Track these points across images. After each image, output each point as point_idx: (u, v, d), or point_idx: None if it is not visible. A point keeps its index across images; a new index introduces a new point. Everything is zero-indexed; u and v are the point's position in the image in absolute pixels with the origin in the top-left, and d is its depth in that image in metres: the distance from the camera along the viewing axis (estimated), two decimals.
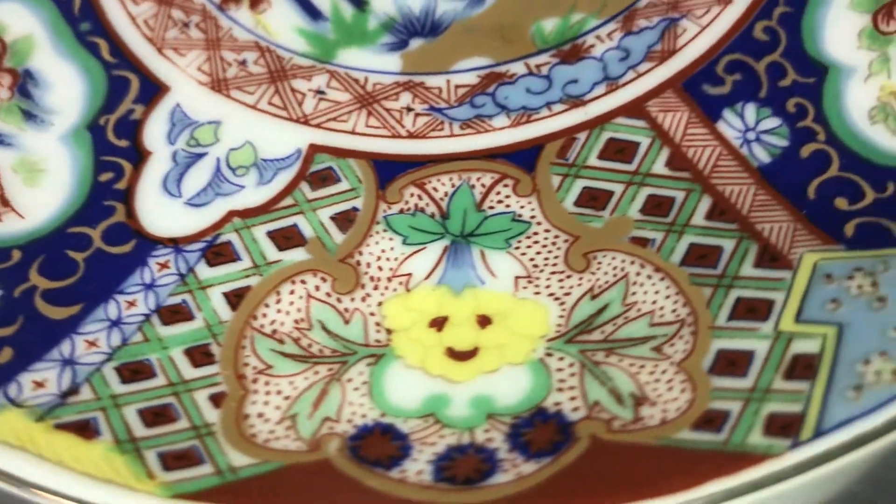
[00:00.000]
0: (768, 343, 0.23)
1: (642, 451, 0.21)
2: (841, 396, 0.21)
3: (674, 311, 0.24)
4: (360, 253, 0.26)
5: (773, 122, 0.27)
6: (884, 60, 0.28)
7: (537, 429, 0.22)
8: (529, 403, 0.23)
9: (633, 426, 0.22)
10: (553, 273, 0.25)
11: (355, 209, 0.27)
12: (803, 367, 0.22)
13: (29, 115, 0.29)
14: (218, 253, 0.26)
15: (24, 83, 0.29)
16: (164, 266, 0.26)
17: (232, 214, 0.27)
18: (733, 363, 0.22)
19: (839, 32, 0.28)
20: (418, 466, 0.21)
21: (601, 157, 0.27)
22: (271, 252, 0.26)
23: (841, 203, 0.25)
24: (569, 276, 0.25)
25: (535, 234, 0.26)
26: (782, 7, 0.29)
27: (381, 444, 0.22)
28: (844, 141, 0.26)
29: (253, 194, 0.27)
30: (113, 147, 0.28)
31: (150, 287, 0.26)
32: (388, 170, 0.27)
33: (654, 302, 0.24)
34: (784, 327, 0.23)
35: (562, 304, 0.25)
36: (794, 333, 0.23)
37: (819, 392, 0.21)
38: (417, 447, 0.22)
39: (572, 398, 0.23)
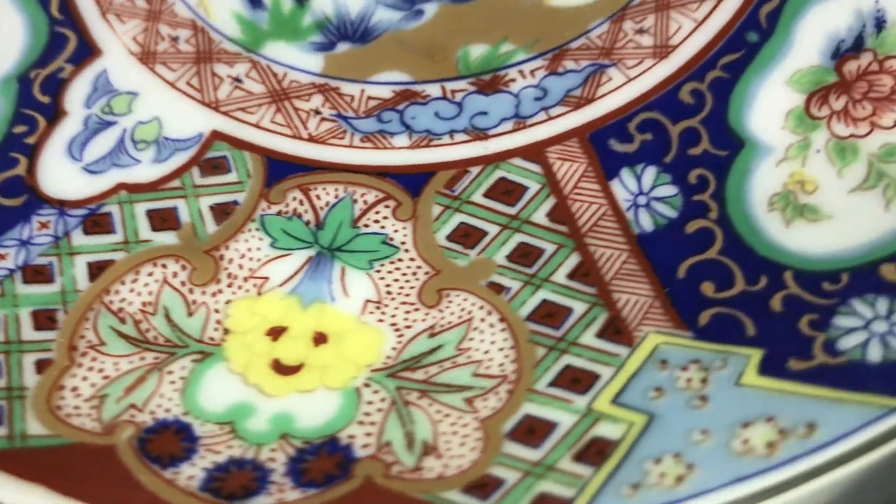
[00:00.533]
0: (575, 418, 0.22)
1: (405, 502, 0.21)
2: (615, 492, 0.20)
3: (501, 365, 0.23)
4: (227, 247, 0.26)
5: (668, 190, 0.26)
6: (804, 146, 0.26)
7: (320, 459, 0.22)
8: (326, 431, 0.23)
9: (409, 475, 0.21)
10: (403, 303, 0.25)
11: (235, 203, 0.27)
12: (595, 452, 0.21)
13: None
14: (96, 222, 0.27)
15: None
16: (44, 226, 0.27)
17: (121, 187, 0.27)
18: (532, 431, 0.22)
19: (768, 108, 0.27)
20: (193, 472, 0.22)
21: (487, 194, 0.27)
22: (144, 231, 0.27)
23: (707, 288, 0.24)
24: (417, 310, 0.25)
25: (400, 260, 0.26)
26: (718, 72, 0.28)
27: (170, 441, 0.22)
28: (735, 223, 0.25)
29: (146, 170, 0.28)
30: (35, 101, 0.29)
31: (24, 244, 0.26)
32: (278, 169, 0.28)
33: (486, 352, 0.24)
34: (597, 406, 0.22)
35: (400, 336, 0.24)
36: (603, 414, 0.22)
37: (597, 482, 0.20)
38: (202, 452, 0.22)
39: (368, 434, 0.22)
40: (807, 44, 0.28)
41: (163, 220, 0.27)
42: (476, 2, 0.30)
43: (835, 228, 0.25)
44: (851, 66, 0.27)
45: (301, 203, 0.27)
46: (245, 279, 0.26)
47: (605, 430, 0.22)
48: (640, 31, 0.29)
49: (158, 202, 0.27)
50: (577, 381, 0.23)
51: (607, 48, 0.29)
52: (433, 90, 0.28)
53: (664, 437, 0.21)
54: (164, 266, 0.26)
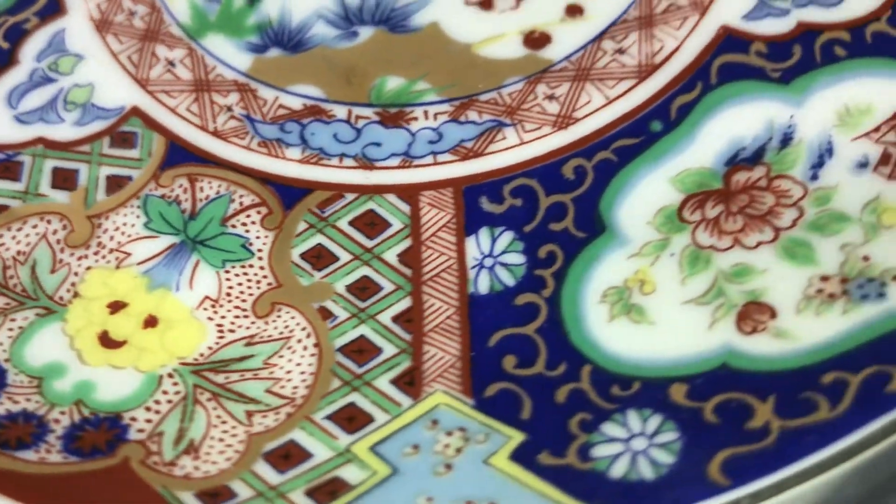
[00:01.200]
0: (330, 454, 0.23)
1: (143, 491, 0.22)
2: None
3: (295, 388, 0.25)
4: (107, 217, 0.28)
5: (516, 259, 0.27)
6: (660, 246, 0.26)
7: (97, 432, 0.24)
8: (115, 408, 0.24)
9: (161, 467, 0.23)
10: (236, 307, 0.26)
11: (129, 178, 0.29)
12: (328, 492, 0.22)
13: None
14: (7, 168, 0.29)
15: None
16: None
17: (40, 141, 0.30)
18: (287, 457, 0.23)
19: (642, 200, 0.27)
20: None
21: (352, 223, 0.28)
22: (45, 186, 0.29)
23: (508, 362, 0.25)
24: (246, 317, 0.26)
25: (251, 266, 0.27)
26: (609, 153, 0.28)
27: None
28: (562, 305, 0.26)
29: (66, 130, 0.30)
30: None
31: None
32: (176, 155, 0.29)
33: (288, 371, 0.25)
34: (355, 448, 0.23)
35: (220, 337, 0.26)
36: (356, 458, 0.23)
37: None
38: (2, 398, 0.24)
39: (148, 420, 0.24)
40: (707, 144, 0.28)
41: (64, 179, 0.29)
42: (410, 35, 0.31)
43: (652, 336, 0.25)
44: (741, 177, 0.27)
45: (185, 191, 0.29)
46: (111, 251, 0.28)
47: (349, 473, 0.23)
48: (550, 97, 0.29)
49: (65, 162, 0.29)
50: (352, 419, 0.24)
51: (513, 107, 0.29)
52: (340, 111, 0.30)
53: (394, 493, 0.22)
54: (48, 222, 0.28)
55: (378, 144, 0.29)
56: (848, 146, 0.27)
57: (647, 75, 0.29)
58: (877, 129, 0.28)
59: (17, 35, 0.32)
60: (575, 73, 0.29)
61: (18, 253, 0.28)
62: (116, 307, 0.27)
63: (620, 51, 0.30)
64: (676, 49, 0.29)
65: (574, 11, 0.31)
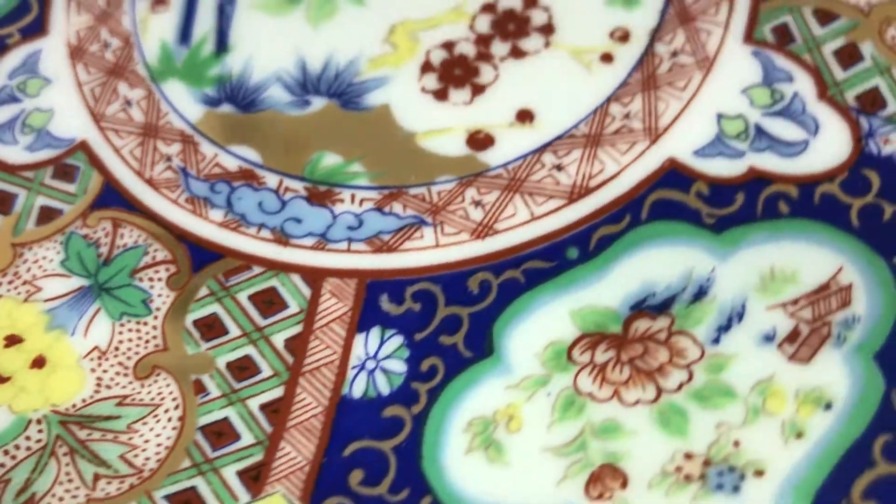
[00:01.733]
0: None
1: None
2: None
3: (146, 459, 0.25)
4: (30, 248, 0.29)
5: (397, 366, 0.26)
6: (540, 383, 0.26)
7: None
8: None
9: None
10: (119, 364, 0.27)
11: (61, 212, 0.30)
12: None
13: None
14: None
15: None
16: None
17: None
18: None
19: (537, 330, 0.26)
20: None
21: (251, 297, 0.28)
22: None
23: (354, 476, 0.24)
24: (125, 375, 0.27)
25: (145, 324, 0.28)
26: (517, 272, 0.27)
27: None
28: (427, 426, 0.25)
29: (17, 153, 0.31)
30: None
31: None
32: (109, 197, 0.30)
33: (146, 441, 0.25)
34: None
35: (97, 391, 0.27)
36: None
37: None
38: None
39: (2, 464, 0.25)
40: (618, 283, 0.27)
41: (2, 202, 0.30)
42: (359, 114, 0.31)
43: (502, 479, 0.24)
44: (641, 325, 0.26)
45: (106, 235, 0.29)
46: (24, 282, 0.29)
47: None
48: (477, 203, 0.29)
49: (7, 185, 0.30)
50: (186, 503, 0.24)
51: (438, 207, 0.29)
52: (271, 180, 0.30)
53: None
54: None
55: (298, 221, 0.29)
56: (760, 314, 0.26)
57: (577, 198, 0.28)
58: (795, 302, 0.26)
59: None
60: (508, 182, 0.29)
61: None
62: (12, 341, 0.28)
63: (559, 167, 0.29)
64: (615, 175, 0.28)
65: (525, 117, 0.30)
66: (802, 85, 0.29)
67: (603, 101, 0.30)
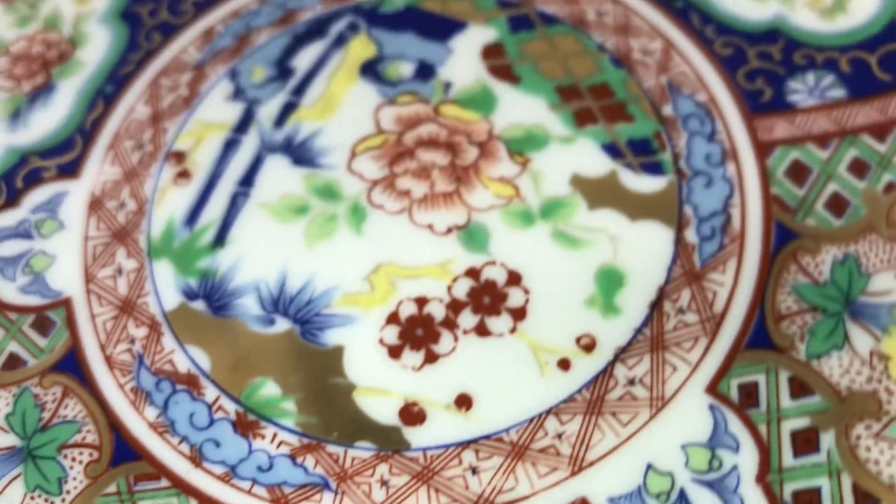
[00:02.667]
0: None
1: None
2: None
3: None
4: None
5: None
6: None
7: None
8: None
9: None
10: None
11: (25, 363, 0.32)
12: None
13: None
14: None
15: None
16: None
17: None
18: None
19: None
20: None
21: None
22: None
23: None
24: None
25: None
26: None
27: None
28: None
29: (8, 291, 0.33)
30: (12, 182, 0.35)
31: None
32: (70, 363, 0.31)
33: None
34: None
35: None
36: None
37: None
38: None
39: None
40: None
41: None
42: (313, 348, 0.31)
43: None
44: None
45: (54, 401, 0.31)
46: None
47: None
48: (383, 484, 0.29)
49: None
50: None
51: (347, 474, 0.29)
52: (210, 394, 0.31)
53: None
54: None
55: (218, 444, 0.30)
56: None
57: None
58: None
59: (33, 180, 0.35)
60: (421, 470, 0.29)
61: None
62: None
63: (475, 470, 0.29)
64: (524, 498, 0.28)
65: (463, 403, 0.30)
66: (746, 460, 0.28)
67: (542, 412, 0.29)
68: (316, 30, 0.37)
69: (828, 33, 0.35)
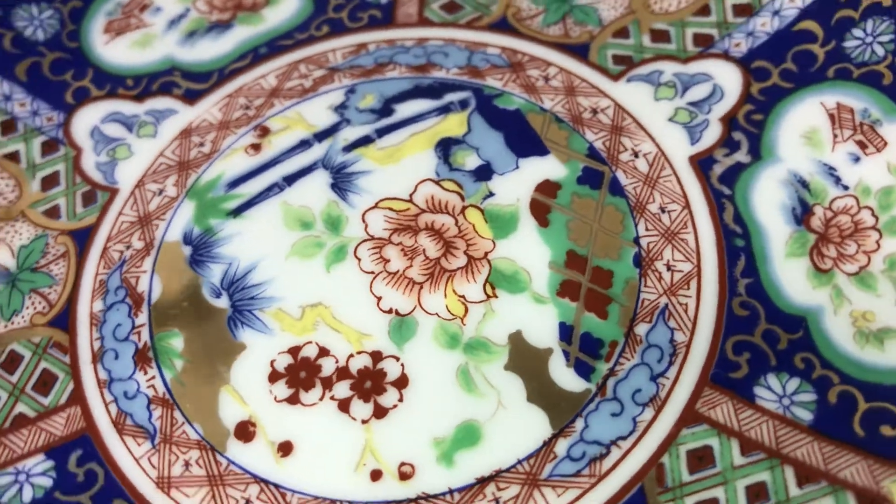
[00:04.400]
0: None
1: None
2: None
3: None
4: None
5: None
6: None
7: None
8: None
9: None
10: None
11: (60, 217, 0.39)
12: None
13: None
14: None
15: None
16: None
17: None
18: None
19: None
20: None
21: None
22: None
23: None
24: None
25: None
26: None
27: None
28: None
29: (88, 160, 0.40)
30: None
31: None
32: (82, 235, 0.39)
33: None
34: None
35: None
36: None
37: None
38: None
39: None
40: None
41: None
42: (223, 338, 0.35)
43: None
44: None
45: (55, 260, 0.38)
46: None
47: None
48: (186, 465, 0.33)
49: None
50: None
51: (169, 439, 0.33)
52: (141, 319, 0.36)
53: None
54: None
55: (116, 357, 0.36)
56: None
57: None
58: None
59: (165, 90, 0.42)
60: (214, 475, 0.33)
61: None
62: None
63: (248, 501, 0.32)
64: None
65: (284, 448, 0.33)
66: None
67: (328, 498, 0.32)
68: (435, 90, 0.41)
69: (855, 360, 0.33)
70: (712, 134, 0.38)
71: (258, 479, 0.33)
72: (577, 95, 0.40)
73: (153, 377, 0.35)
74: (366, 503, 0.32)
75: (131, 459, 0.33)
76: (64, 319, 0.37)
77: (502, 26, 0.42)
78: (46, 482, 0.33)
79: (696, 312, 0.34)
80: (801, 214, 0.35)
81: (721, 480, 0.31)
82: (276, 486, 0.32)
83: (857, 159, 0.36)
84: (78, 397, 0.35)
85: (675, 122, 0.38)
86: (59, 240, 0.39)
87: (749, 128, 0.37)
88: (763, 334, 0.33)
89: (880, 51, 0.37)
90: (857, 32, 0.38)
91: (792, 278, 0.34)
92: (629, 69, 0.40)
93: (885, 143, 0.36)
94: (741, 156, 0.37)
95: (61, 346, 0.36)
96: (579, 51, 0.41)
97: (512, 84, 0.40)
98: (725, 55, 0.39)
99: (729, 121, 0.38)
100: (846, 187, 0.36)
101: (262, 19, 0.44)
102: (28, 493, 0.33)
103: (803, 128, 0.37)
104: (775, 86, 0.38)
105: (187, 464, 0.33)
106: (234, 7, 0.45)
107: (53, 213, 0.40)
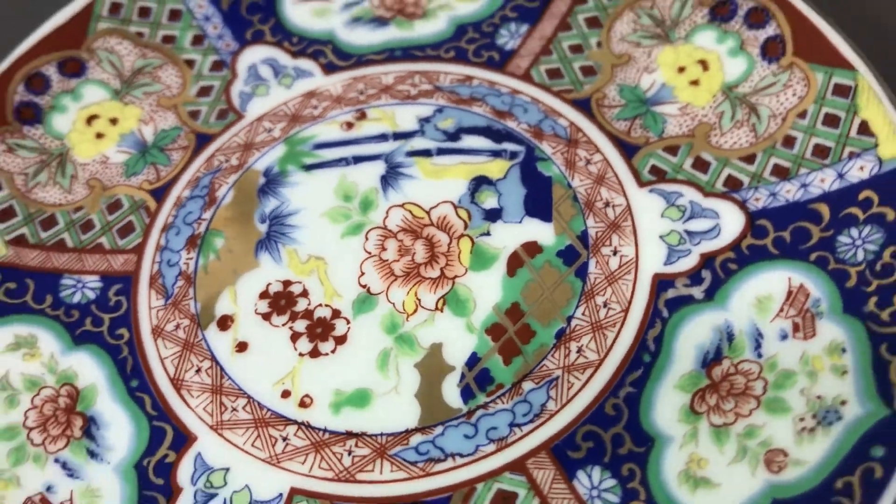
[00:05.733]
0: None
1: None
2: None
3: None
4: None
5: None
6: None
7: None
8: None
9: None
10: None
11: None
12: None
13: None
14: None
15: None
16: None
17: None
18: None
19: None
20: None
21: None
22: None
23: None
24: None
25: None
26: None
27: None
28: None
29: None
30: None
31: None
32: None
33: None
34: None
35: None
36: None
37: None
38: None
39: None
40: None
41: None
42: (243, 255, 0.46)
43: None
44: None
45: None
46: None
47: None
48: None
49: None
50: None
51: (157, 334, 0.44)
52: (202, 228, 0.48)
53: None
54: None
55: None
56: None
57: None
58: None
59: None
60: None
61: None
62: None
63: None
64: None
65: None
66: None
67: None
68: (500, 135, 0.48)
69: (668, 491, 0.38)
70: (687, 263, 0.43)
71: (213, 358, 0.43)
72: (602, 185, 0.46)
73: (191, 258, 0.46)
74: (268, 408, 0.42)
75: (147, 306, 0.45)
76: (160, 192, 0.49)
77: (583, 105, 0.49)
78: (91, 295, 0.46)
79: (575, 394, 0.40)
80: (710, 361, 0.40)
81: None
82: (221, 367, 0.43)
83: (784, 337, 0.40)
84: (139, 249, 0.47)
85: (663, 240, 0.44)
86: (187, 136, 0.51)
87: (719, 272, 0.42)
88: (614, 435, 0.39)
89: (860, 255, 0.40)
90: (853, 232, 0.41)
91: (667, 405, 0.39)
92: (658, 182, 0.46)
93: (814, 335, 0.40)
94: (697, 292, 0.42)
95: (149, 209, 0.48)
96: (628, 150, 0.47)
97: (559, 154, 0.47)
98: (742, 203, 0.44)
99: (707, 259, 0.43)
100: (760, 356, 0.40)
101: (412, 28, 0.53)
102: (77, 297, 0.46)
103: (762, 291, 0.41)
104: (764, 247, 0.42)
105: (178, 326, 0.44)
106: (397, 10, 0.54)
107: (195, 115, 0.52)
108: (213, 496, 0.40)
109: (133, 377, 0.43)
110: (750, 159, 0.45)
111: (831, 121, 0.44)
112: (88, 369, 0.43)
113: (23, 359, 0.44)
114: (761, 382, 0.39)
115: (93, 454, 0.41)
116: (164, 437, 0.41)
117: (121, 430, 0.42)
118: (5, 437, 0.42)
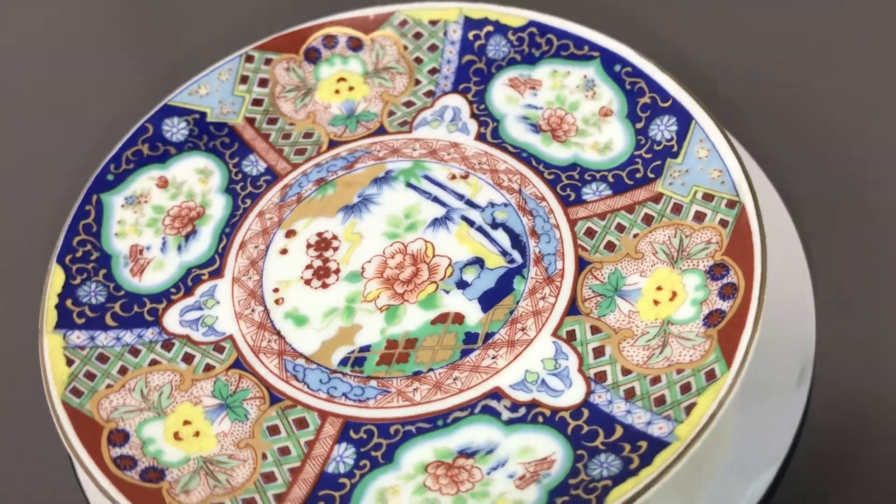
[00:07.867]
0: None
1: None
2: None
3: None
4: None
5: None
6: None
7: None
8: None
9: None
10: None
11: None
12: None
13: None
14: None
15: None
16: None
17: None
18: None
19: None
20: None
21: None
22: None
23: None
24: None
25: None
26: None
27: None
28: None
29: None
30: None
31: None
32: None
33: None
34: None
35: None
36: None
37: None
38: None
39: None
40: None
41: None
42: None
43: None
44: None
45: None
46: None
47: None
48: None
49: None
50: None
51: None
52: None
53: None
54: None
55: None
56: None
57: None
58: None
59: None
60: None
61: None
62: None
63: None
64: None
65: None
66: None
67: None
68: (520, 245, 0.64)
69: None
70: (524, 397, 0.59)
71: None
72: (532, 318, 0.62)
73: (312, 189, 0.72)
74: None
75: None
76: (334, 144, 0.74)
77: (581, 264, 0.64)
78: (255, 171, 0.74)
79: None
80: (467, 453, 0.57)
81: None
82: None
83: (511, 476, 0.53)
84: (299, 165, 0.74)
85: (526, 374, 0.60)
86: (374, 123, 0.74)
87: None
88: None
89: (605, 473, 0.54)
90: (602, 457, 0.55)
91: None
92: (566, 340, 0.60)
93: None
94: (506, 415, 0.58)
95: (320, 149, 0.74)
96: (573, 310, 0.62)
97: (532, 282, 0.64)
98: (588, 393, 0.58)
99: (532, 404, 0.58)
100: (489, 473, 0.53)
101: (549, 145, 0.71)
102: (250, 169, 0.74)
103: (529, 444, 0.56)
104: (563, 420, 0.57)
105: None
106: (551, 128, 0.72)
107: (391, 114, 0.75)
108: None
109: None
110: (629, 371, 0.58)
111: (686, 389, 0.55)
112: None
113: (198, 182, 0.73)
114: (469, 485, 0.52)
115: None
116: None
117: None
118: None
